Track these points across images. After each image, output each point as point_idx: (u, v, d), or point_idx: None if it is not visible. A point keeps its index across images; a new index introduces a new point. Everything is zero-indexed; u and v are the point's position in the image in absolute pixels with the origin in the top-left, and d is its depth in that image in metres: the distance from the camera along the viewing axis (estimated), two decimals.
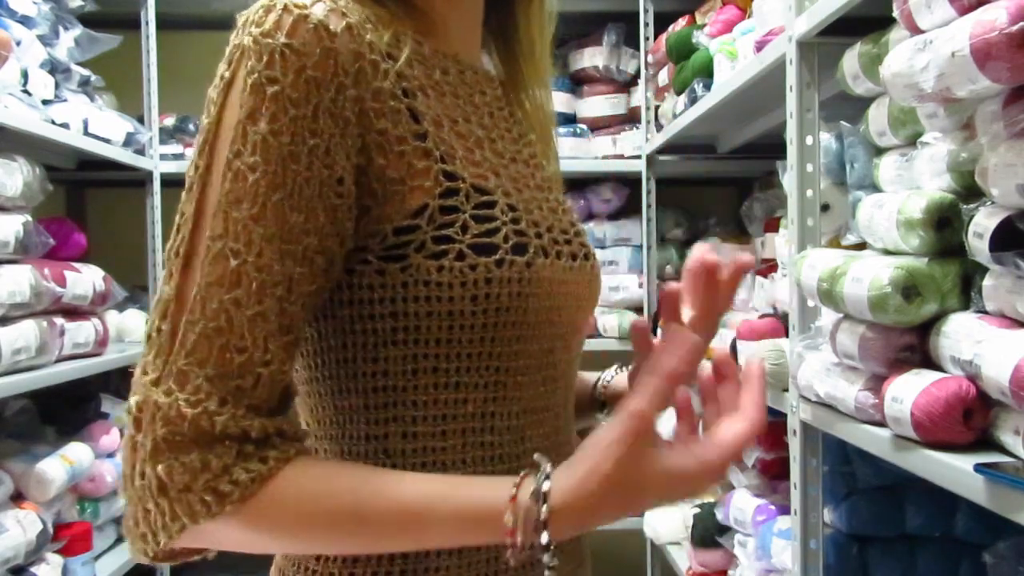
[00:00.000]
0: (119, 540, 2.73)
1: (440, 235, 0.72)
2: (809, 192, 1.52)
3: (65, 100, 2.41)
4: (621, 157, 2.97)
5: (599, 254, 0.91)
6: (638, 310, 2.95)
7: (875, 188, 1.37)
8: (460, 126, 0.78)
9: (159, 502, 0.65)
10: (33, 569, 2.08)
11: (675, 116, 2.46)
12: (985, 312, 1.07)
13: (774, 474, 2.01)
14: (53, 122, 2.28)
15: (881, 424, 1.17)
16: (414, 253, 0.71)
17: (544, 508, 0.66)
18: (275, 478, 0.66)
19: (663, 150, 2.80)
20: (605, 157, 2.98)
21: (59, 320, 2.23)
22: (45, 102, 2.28)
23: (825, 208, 1.54)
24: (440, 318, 0.72)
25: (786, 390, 1.59)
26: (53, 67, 2.37)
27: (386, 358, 0.74)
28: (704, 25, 2.29)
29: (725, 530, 2.21)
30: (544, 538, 0.65)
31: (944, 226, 1.13)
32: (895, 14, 1.12)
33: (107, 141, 2.57)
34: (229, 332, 0.65)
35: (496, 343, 0.75)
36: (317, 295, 0.70)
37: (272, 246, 0.66)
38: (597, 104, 3.01)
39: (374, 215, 0.71)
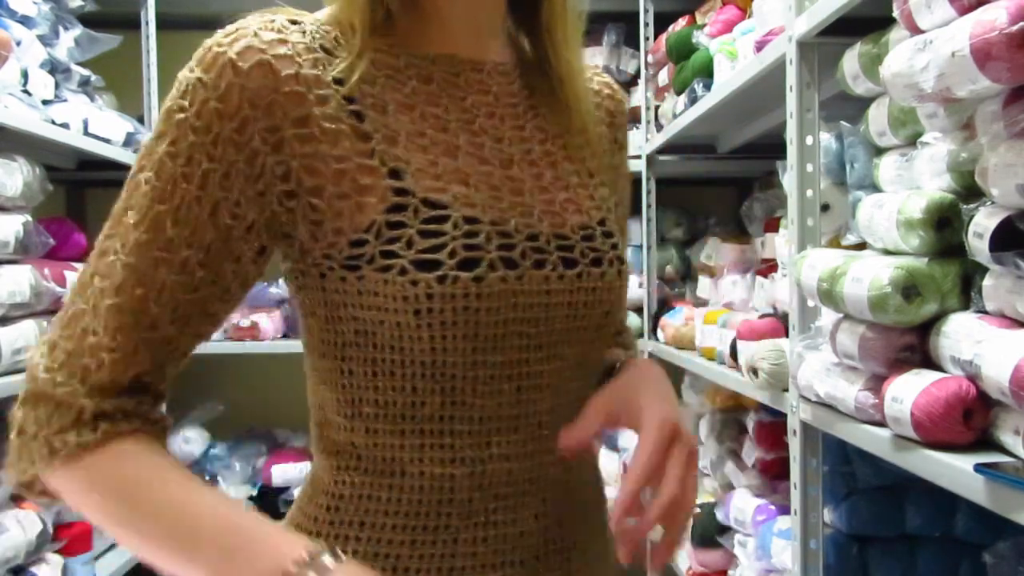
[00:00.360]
0: None
1: (387, 250, 0.74)
2: (809, 192, 1.52)
3: (65, 100, 2.41)
4: None
5: None
6: (637, 310, 2.95)
7: (875, 188, 1.37)
8: (428, 137, 0.79)
9: (14, 442, 0.75)
10: (33, 569, 2.08)
11: (675, 116, 2.46)
12: (985, 312, 1.07)
13: (774, 474, 2.01)
14: (53, 122, 2.28)
15: (881, 424, 1.17)
16: (366, 265, 0.74)
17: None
18: (101, 449, 0.72)
19: (663, 150, 2.80)
20: None
21: None
22: (45, 102, 2.29)
23: (825, 208, 1.54)
24: (390, 327, 0.75)
25: (786, 390, 1.59)
26: (53, 67, 2.38)
27: (350, 358, 0.78)
28: (704, 25, 2.30)
29: (725, 530, 2.21)
30: None
31: (944, 226, 1.13)
32: (895, 14, 1.12)
33: (107, 141, 2.57)
34: (91, 317, 0.73)
35: (448, 353, 0.76)
36: (205, 302, 0.75)
37: (144, 251, 0.72)
38: None
39: (327, 228, 0.75)
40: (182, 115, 0.73)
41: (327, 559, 0.67)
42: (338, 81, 0.76)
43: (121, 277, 0.73)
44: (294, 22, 0.77)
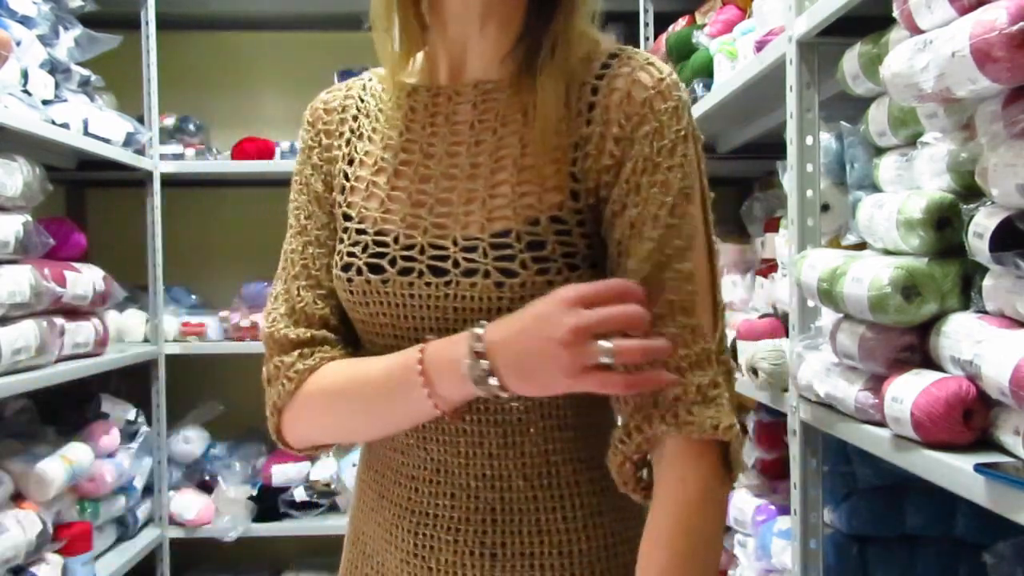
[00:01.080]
0: (119, 540, 2.74)
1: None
2: (809, 192, 1.52)
3: (65, 100, 2.41)
4: None
5: None
6: None
7: (875, 188, 1.37)
8: (374, 158, 0.98)
9: (267, 391, 0.99)
10: (33, 569, 2.08)
11: None
12: (985, 312, 1.07)
13: (774, 474, 2.01)
14: (53, 122, 2.28)
15: (881, 424, 1.17)
16: None
17: (479, 332, 0.84)
18: (316, 370, 0.96)
19: None
20: None
21: (59, 320, 2.23)
22: (45, 102, 2.28)
23: (825, 208, 1.54)
24: None
25: (786, 390, 1.59)
26: (53, 67, 2.37)
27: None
28: (704, 25, 2.29)
29: (725, 530, 2.21)
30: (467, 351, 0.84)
31: (944, 226, 1.13)
32: (895, 14, 1.12)
33: (107, 141, 2.57)
34: (288, 286, 1.00)
35: (363, 335, 0.98)
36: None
37: (297, 238, 1.01)
38: None
39: None
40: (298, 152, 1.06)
41: (475, 345, 0.85)
42: (354, 117, 1.02)
43: (290, 258, 1.01)
44: (361, 79, 1.04)
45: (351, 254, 0.95)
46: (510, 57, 0.94)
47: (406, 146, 0.97)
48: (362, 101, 1.03)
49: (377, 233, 0.94)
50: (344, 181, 0.99)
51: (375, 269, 0.93)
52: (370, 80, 1.04)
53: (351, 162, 1.00)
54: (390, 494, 0.99)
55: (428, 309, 0.91)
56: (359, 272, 0.94)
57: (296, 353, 0.97)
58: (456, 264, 0.90)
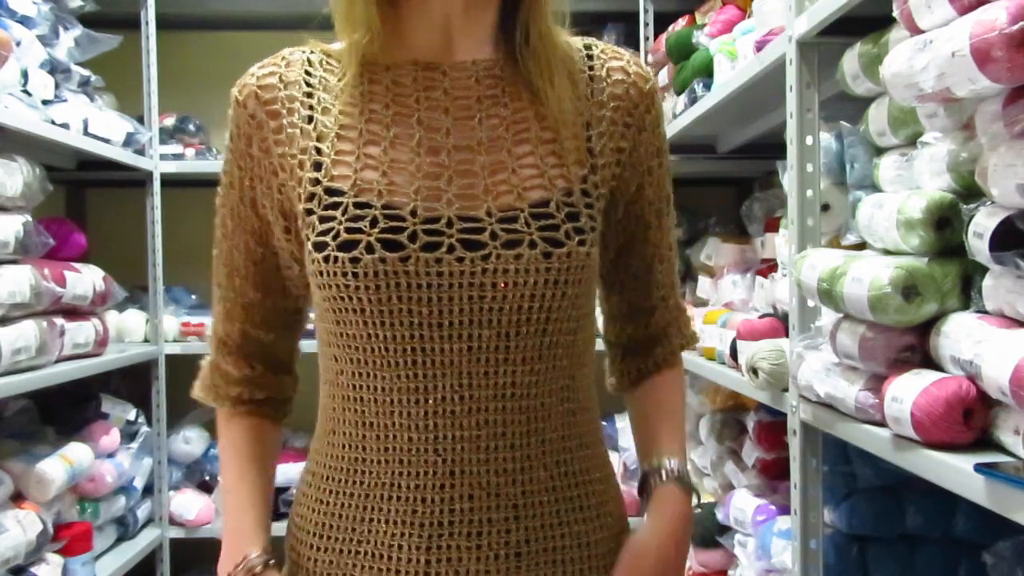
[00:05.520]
0: (119, 540, 2.74)
1: (306, 233, 0.89)
2: (809, 192, 1.52)
3: (65, 100, 2.41)
4: None
5: None
6: None
7: (875, 188, 1.37)
8: (358, 130, 0.91)
9: (205, 372, 1.05)
10: (33, 569, 2.08)
11: (675, 116, 2.46)
12: (985, 312, 1.07)
13: (774, 474, 2.01)
14: (53, 122, 2.28)
15: (881, 424, 1.17)
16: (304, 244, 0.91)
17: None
18: (227, 421, 1.03)
19: None
20: None
21: (59, 320, 2.23)
22: (45, 102, 2.28)
23: (825, 208, 1.54)
24: (317, 299, 0.92)
25: (786, 390, 1.59)
26: (53, 67, 2.37)
27: (319, 326, 0.95)
28: (704, 25, 2.29)
29: (725, 530, 2.21)
30: None
31: (944, 226, 1.13)
32: (895, 14, 1.12)
33: (107, 141, 2.57)
34: (216, 294, 1.02)
35: (347, 325, 0.88)
36: (272, 271, 0.98)
37: (222, 243, 0.99)
38: None
39: (297, 212, 0.91)
40: (226, 141, 0.97)
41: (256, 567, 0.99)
42: (307, 95, 0.93)
43: (216, 263, 0.99)
44: (303, 51, 0.97)
45: (353, 230, 0.85)
46: (498, 39, 0.95)
47: (396, 119, 0.90)
48: (309, 76, 0.94)
49: (385, 207, 0.86)
50: (318, 157, 0.90)
51: (390, 246, 0.84)
52: (311, 54, 0.97)
53: (320, 138, 0.91)
54: (382, 514, 0.89)
55: (460, 288, 0.84)
56: (369, 250, 0.84)
57: (237, 384, 1.02)
58: (494, 236, 0.85)
